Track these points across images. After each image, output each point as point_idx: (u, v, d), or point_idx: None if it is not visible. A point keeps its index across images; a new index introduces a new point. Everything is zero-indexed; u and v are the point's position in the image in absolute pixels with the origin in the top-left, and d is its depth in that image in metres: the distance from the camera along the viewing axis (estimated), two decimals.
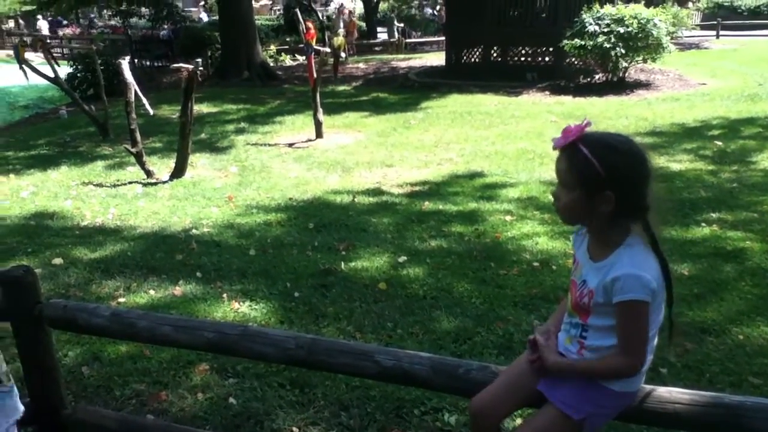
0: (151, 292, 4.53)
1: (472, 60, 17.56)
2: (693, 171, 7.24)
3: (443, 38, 22.61)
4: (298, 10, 13.15)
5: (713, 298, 4.11)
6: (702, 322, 3.80)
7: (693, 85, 13.87)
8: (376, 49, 28.94)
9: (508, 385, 1.92)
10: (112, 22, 33.49)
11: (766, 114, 10.30)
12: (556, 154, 1.74)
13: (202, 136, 10.55)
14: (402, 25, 31.57)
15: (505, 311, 4.02)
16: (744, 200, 6.11)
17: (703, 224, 5.45)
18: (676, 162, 7.66)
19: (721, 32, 26.94)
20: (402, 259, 4.96)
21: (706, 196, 6.25)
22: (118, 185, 7.71)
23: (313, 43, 10.44)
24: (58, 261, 5.12)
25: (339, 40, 17.89)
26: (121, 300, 4.39)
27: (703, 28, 27.81)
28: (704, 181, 6.84)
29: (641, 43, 13.12)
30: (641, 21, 12.91)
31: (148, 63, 23.30)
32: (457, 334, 3.76)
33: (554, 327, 1.94)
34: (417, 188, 7.11)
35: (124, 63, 8.45)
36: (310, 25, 10.63)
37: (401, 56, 24.64)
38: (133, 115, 8.05)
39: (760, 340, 3.58)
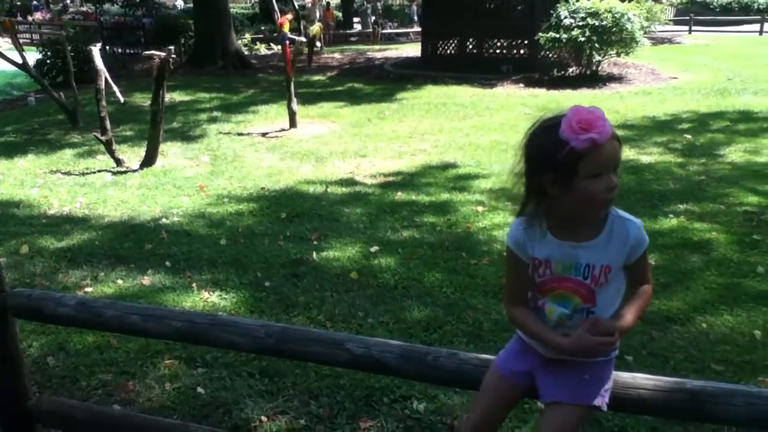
0: (119, 281, 4.47)
1: (448, 52, 17.59)
2: (662, 163, 7.34)
3: (419, 29, 22.60)
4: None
5: (679, 288, 4.18)
6: (668, 310, 3.87)
7: (665, 79, 14.05)
8: (352, 39, 28.85)
9: (492, 405, 1.89)
10: (84, 8, 32.88)
11: (734, 108, 10.48)
12: None
13: (174, 124, 10.42)
14: (376, 16, 31.49)
15: (476, 300, 4.04)
16: (711, 192, 6.21)
17: (671, 215, 5.53)
18: (647, 155, 7.76)
19: (694, 28, 27.34)
20: (374, 249, 4.96)
21: (675, 188, 6.34)
22: (87, 174, 7.58)
23: (287, 32, 10.34)
24: (23, 250, 5.03)
25: (315, 29, 17.80)
26: (88, 290, 4.32)
27: (676, 23, 28.18)
28: (673, 173, 6.94)
29: (615, 37, 13.27)
30: (615, 15, 13.03)
31: (120, 50, 22.91)
32: (428, 323, 3.77)
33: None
34: (390, 179, 7.11)
35: (95, 50, 8.30)
36: (289, 16, 10.52)
37: (377, 47, 24.58)
38: (104, 103, 7.92)
39: (723, 329, 3.65)
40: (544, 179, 1.63)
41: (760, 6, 33.10)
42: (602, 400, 1.78)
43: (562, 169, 1.60)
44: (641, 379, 1.88)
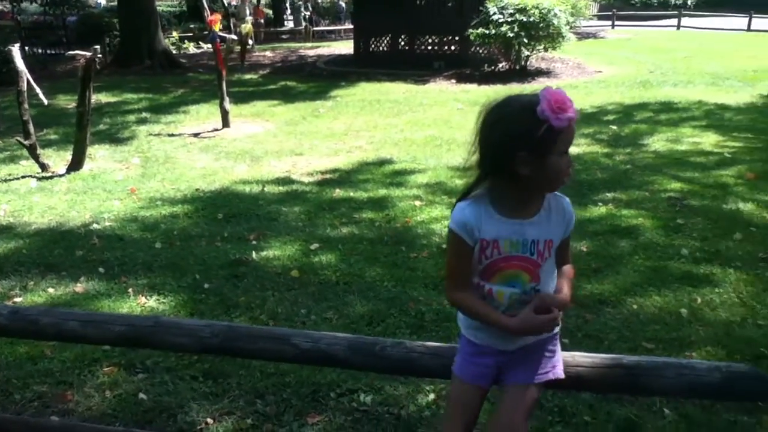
0: (50, 290, 4.32)
1: (381, 48, 17.67)
2: (590, 154, 7.60)
3: (351, 27, 22.60)
4: None
5: (610, 272, 4.35)
6: (600, 294, 4.02)
7: (590, 73, 14.54)
8: (284, 37, 28.58)
9: (468, 416, 1.91)
10: (0, 7, 31.38)
11: (656, 100, 10.95)
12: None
13: (101, 126, 10.10)
14: (309, 13, 31.31)
15: (417, 292, 4.10)
16: (637, 180, 6.48)
17: (600, 203, 5.74)
18: (574, 146, 7.92)
19: (616, 22, 28.38)
20: (314, 246, 4.95)
21: (603, 178, 6.58)
22: (10, 180, 7.26)
23: (217, 30, 10.16)
24: None
25: (247, 27, 17.55)
26: (18, 300, 4.15)
27: (599, 18, 29.18)
28: (600, 163, 7.19)
29: (542, 32, 13.63)
30: (542, 11, 13.38)
31: (40, 50, 21.99)
32: (371, 317, 3.80)
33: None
34: (327, 176, 7.10)
35: (15, 50, 7.94)
36: (218, 15, 10.35)
37: (309, 44, 24.45)
38: (26, 106, 7.59)
39: (652, 309, 3.83)
40: (516, 158, 1.67)
41: (677, 2, 34.65)
42: (560, 371, 1.88)
43: (538, 148, 1.66)
44: (580, 358, 1.97)
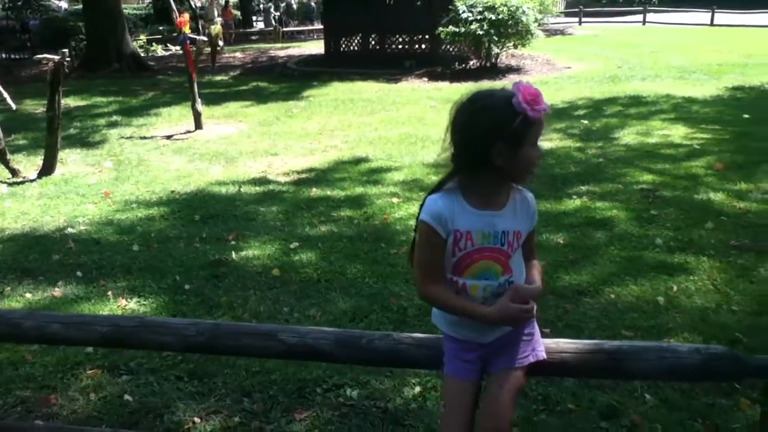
0: (28, 295, 4.26)
1: (351, 48, 17.68)
2: (563, 148, 7.71)
3: (320, 27, 22.57)
4: None
5: (587, 263, 4.43)
6: (578, 285, 4.10)
7: (560, 69, 14.72)
8: (253, 38, 28.44)
9: (465, 415, 1.92)
10: None
11: (625, 94, 11.14)
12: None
13: (71, 131, 9.95)
14: (279, 13, 31.18)
15: (398, 288, 4.13)
16: (609, 173, 6.59)
17: (575, 196, 5.83)
18: (547, 140, 8.10)
19: (584, 19, 28.75)
20: (294, 245, 4.96)
21: (576, 171, 6.68)
22: None
23: (188, 32, 10.07)
24: None
25: (216, 28, 17.43)
26: None
27: (567, 15, 29.51)
28: (573, 157, 7.30)
29: (511, 29, 13.77)
30: (511, 8, 13.51)
31: (3, 55, 21.57)
32: (354, 313, 3.83)
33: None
34: (303, 176, 7.10)
35: None
36: (186, 16, 10.26)
37: (279, 45, 24.37)
38: None
39: (629, 298, 3.91)
40: (493, 149, 1.72)
41: None
42: (541, 352, 1.93)
43: (513, 139, 1.72)
44: (563, 344, 2.02)
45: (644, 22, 27.45)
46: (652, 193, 5.83)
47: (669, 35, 21.54)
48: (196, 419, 2.89)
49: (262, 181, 6.94)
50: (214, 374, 3.21)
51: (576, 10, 30.07)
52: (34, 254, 4.96)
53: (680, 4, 31.67)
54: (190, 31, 10.38)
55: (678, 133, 8.20)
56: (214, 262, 4.68)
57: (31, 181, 7.22)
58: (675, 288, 4.00)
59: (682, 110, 9.70)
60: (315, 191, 6.42)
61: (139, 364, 3.31)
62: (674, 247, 4.62)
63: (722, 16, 25.32)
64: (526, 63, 15.53)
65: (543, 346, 1.95)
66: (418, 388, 3.05)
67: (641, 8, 29.25)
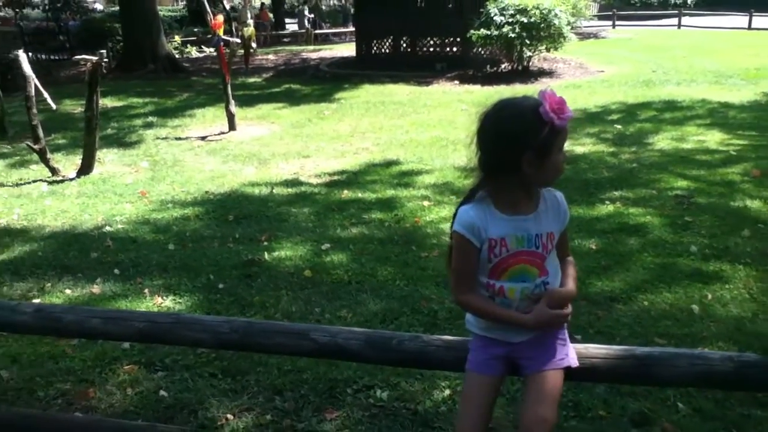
0: (68, 291, 4.38)
1: (383, 51, 17.74)
2: (596, 153, 7.65)
3: (352, 29, 22.69)
4: (204, 0, 12.84)
5: (619, 269, 4.40)
6: (610, 291, 4.07)
7: (593, 73, 14.59)
8: (285, 40, 28.68)
9: (482, 409, 1.94)
10: (2, 13, 31.53)
11: (660, 98, 11.00)
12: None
13: (109, 131, 10.16)
14: (313, 15, 31.42)
15: (428, 291, 4.15)
16: (643, 179, 6.52)
17: (607, 202, 5.79)
18: (580, 145, 8.06)
19: (617, 22, 28.41)
20: (325, 246, 5.01)
21: (609, 176, 6.63)
22: (22, 184, 7.33)
23: (221, 34, 10.22)
24: None
25: (249, 30, 17.63)
26: (36, 301, 4.20)
27: (600, 18, 29.21)
28: (606, 162, 7.24)
29: (543, 32, 13.68)
30: (543, 11, 13.43)
31: (43, 56, 22.07)
32: (384, 315, 3.86)
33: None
34: (335, 178, 7.16)
35: (22, 55, 8.02)
36: (220, 17, 10.40)
37: (311, 47, 24.54)
38: (34, 110, 7.65)
39: (663, 305, 3.87)
40: (523, 158, 1.76)
41: (677, 1, 34.69)
42: (574, 359, 1.94)
43: (542, 147, 1.75)
44: (593, 349, 2.02)
45: (679, 25, 27.02)
46: (686, 200, 5.76)
47: (705, 39, 21.17)
48: (229, 416, 2.94)
49: (294, 182, 7.01)
50: (247, 372, 3.27)
51: (609, 13, 29.76)
52: (74, 251, 5.09)
53: (717, 8, 31.12)
54: (223, 33, 10.52)
55: (714, 138, 8.08)
56: (247, 262, 4.75)
57: (71, 179, 7.40)
58: (710, 296, 3.96)
59: (718, 115, 9.55)
60: (346, 193, 6.47)
61: (174, 361, 3.38)
62: (709, 255, 4.56)
63: (760, 20, 24.79)
64: (558, 66, 15.41)
65: (575, 353, 1.97)
66: (447, 391, 3.07)
67: (676, 11, 28.81)
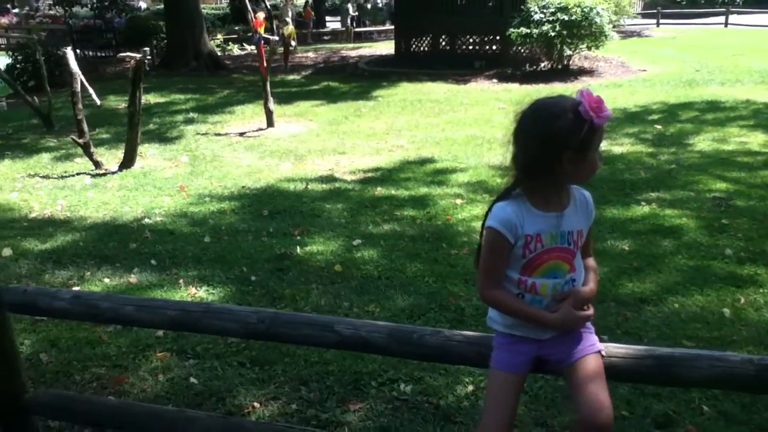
0: (106, 280, 4.53)
1: (421, 49, 17.75)
2: (634, 153, 7.55)
3: (392, 27, 22.73)
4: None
5: (651, 271, 4.35)
6: (641, 292, 4.03)
7: (634, 72, 14.35)
8: (325, 38, 28.88)
9: (509, 409, 1.96)
10: (53, 12, 32.46)
11: (702, 99, 10.77)
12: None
13: (151, 126, 10.42)
14: (357, 13, 31.56)
15: (457, 288, 4.17)
16: (681, 180, 6.42)
17: (643, 203, 5.71)
18: (618, 145, 7.96)
19: (661, 21, 27.84)
20: (356, 242, 5.07)
21: (646, 177, 6.54)
22: (66, 177, 7.58)
23: (262, 32, 10.38)
24: (7, 252, 5.05)
25: (289, 29, 17.81)
26: (75, 289, 4.36)
27: (644, 16, 28.66)
28: (644, 162, 7.14)
29: (585, 31, 13.52)
30: (584, 9, 13.27)
31: (90, 53, 22.68)
32: (412, 311, 3.89)
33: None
34: (369, 174, 7.22)
35: (70, 52, 8.28)
36: (261, 15, 10.56)
37: (350, 45, 24.67)
38: (80, 106, 7.90)
39: (693, 308, 3.82)
40: (563, 157, 1.78)
41: None
42: (603, 346, 1.98)
43: (582, 146, 1.78)
44: (613, 348, 2.02)
45: (726, 23, 26.36)
46: (724, 202, 5.65)
47: (752, 37, 20.60)
48: (256, 404, 3.02)
49: (329, 178, 7.09)
50: (275, 362, 3.34)
51: (654, 11, 29.16)
52: (113, 242, 5.25)
53: (765, 6, 30.23)
54: (264, 31, 10.68)
55: (757, 140, 7.89)
56: (279, 255, 4.84)
57: (113, 173, 7.62)
58: (742, 300, 3.89)
59: (763, 117, 9.31)
60: (380, 190, 6.52)
61: (205, 350, 3.48)
62: (744, 258, 4.48)
63: None
64: (599, 65, 15.21)
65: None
66: (470, 387, 3.10)
67: (723, 9, 28.09)
